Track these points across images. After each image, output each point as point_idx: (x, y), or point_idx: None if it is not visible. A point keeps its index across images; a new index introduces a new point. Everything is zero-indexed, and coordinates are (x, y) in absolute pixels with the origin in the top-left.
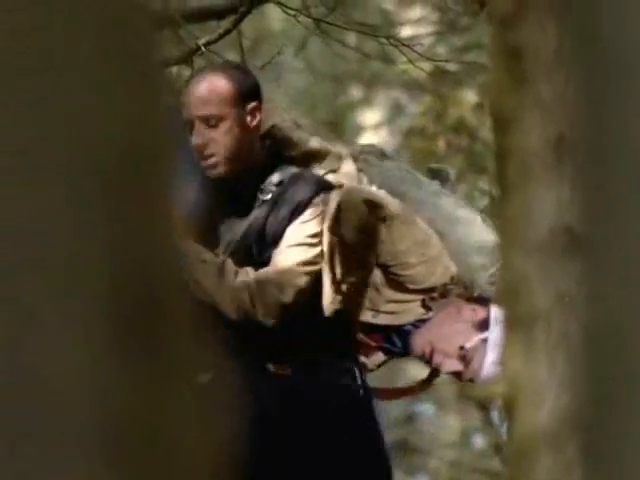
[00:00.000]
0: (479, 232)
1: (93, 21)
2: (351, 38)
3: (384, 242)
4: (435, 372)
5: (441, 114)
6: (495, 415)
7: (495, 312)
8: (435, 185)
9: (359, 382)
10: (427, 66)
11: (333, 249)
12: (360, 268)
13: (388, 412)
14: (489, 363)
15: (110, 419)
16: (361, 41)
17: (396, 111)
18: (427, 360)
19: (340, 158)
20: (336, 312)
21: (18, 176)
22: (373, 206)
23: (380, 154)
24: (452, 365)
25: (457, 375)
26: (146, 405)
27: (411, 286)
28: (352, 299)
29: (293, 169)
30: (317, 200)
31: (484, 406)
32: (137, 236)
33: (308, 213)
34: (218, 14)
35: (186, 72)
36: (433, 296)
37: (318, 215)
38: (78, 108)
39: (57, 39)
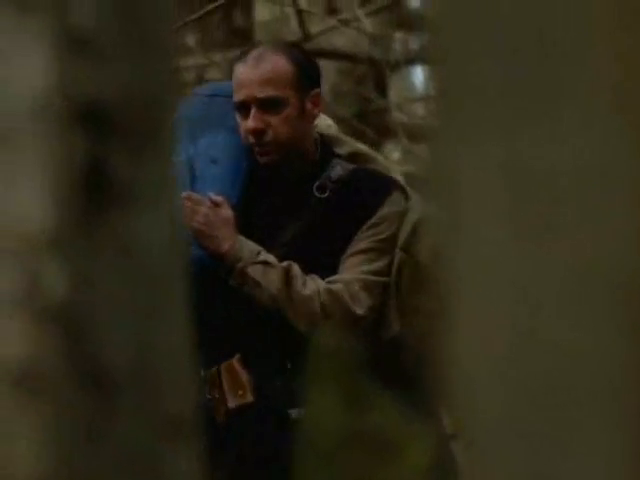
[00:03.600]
0: None
1: (610, 20)
2: None
3: None
4: None
5: None
6: None
7: None
8: None
9: None
10: None
11: (403, 268)
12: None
13: None
14: None
15: None
16: None
17: None
18: None
19: (386, 165)
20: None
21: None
22: None
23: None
24: None
25: None
26: None
27: None
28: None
29: (350, 165)
30: (389, 200)
31: None
32: None
33: (379, 215)
34: None
35: None
36: None
37: (390, 217)
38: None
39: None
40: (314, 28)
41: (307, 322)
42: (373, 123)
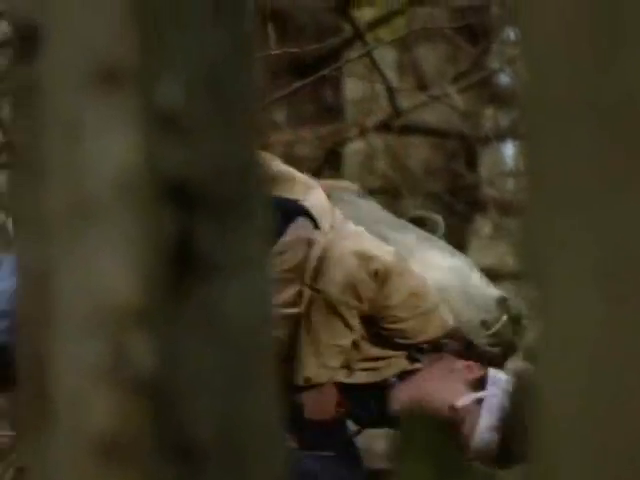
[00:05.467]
0: (480, 286)
1: None
2: None
3: (374, 298)
4: None
5: None
6: None
7: (494, 373)
8: (418, 230)
9: None
10: None
11: (311, 307)
12: (341, 330)
13: None
14: (484, 429)
15: None
16: None
17: None
18: None
19: (308, 188)
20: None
21: None
22: (363, 259)
23: (357, 193)
24: None
25: None
26: None
27: (400, 341)
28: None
29: None
30: (293, 226)
31: None
32: None
33: (283, 243)
34: None
35: None
36: (422, 347)
37: (294, 245)
38: None
39: None
40: (405, 104)
41: None
42: (464, 198)
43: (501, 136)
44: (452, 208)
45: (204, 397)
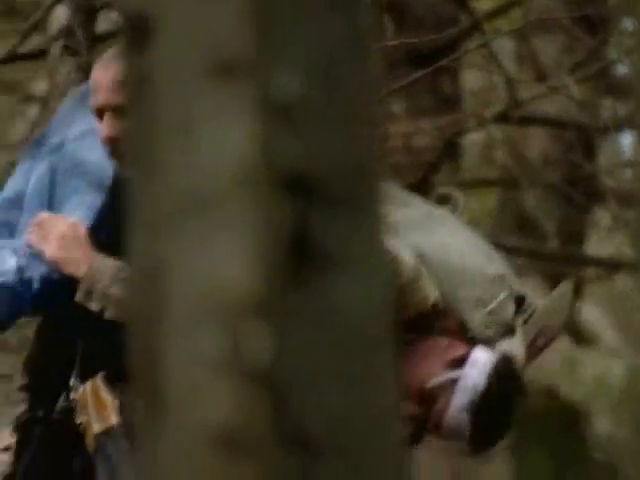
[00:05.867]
0: (479, 263)
1: None
2: None
3: None
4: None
5: None
6: None
7: (479, 353)
8: (430, 208)
9: None
10: None
11: None
12: None
13: None
14: (456, 408)
15: None
16: None
17: None
18: None
19: None
20: None
21: None
22: None
23: None
24: (406, 408)
25: (417, 422)
26: None
27: None
28: None
29: None
30: None
31: None
32: None
33: None
34: None
35: None
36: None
37: None
38: None
39: None
40: (523, 95)
41: None
42: (582, 188)
43: (619, 126)
44: (570, 199)
45: (322, 389)
